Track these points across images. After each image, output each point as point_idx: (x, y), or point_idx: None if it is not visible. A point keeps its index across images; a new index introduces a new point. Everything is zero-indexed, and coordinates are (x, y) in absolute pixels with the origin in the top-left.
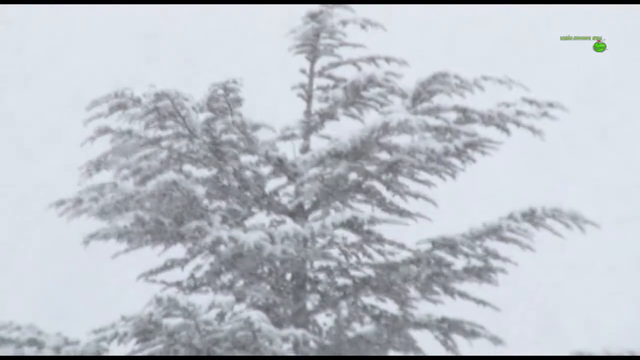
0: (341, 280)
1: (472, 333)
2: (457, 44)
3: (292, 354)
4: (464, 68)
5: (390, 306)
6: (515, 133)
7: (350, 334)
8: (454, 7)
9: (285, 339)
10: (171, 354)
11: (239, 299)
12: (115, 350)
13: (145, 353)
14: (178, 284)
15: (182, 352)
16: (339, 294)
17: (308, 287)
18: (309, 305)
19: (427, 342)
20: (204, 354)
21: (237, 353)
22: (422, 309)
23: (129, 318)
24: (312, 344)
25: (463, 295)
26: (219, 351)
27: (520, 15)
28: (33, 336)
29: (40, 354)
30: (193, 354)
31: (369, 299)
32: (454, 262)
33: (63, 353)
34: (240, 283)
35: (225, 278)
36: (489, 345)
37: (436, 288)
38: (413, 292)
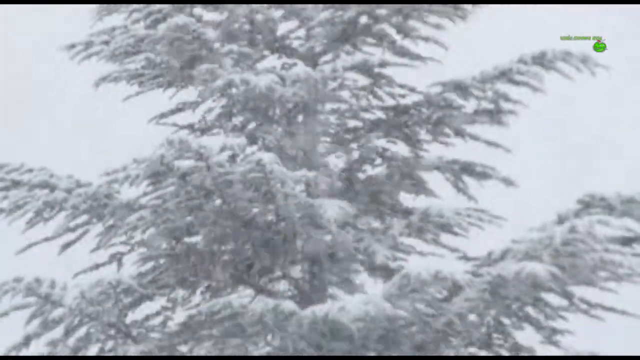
0: (352, 123)
1: (483, 174)
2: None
3: (304, 195)
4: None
5: (401, 148)
6: None
7: (361, 176)
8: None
9: (297, 181)
10: (182, 196)
11: (250, 141)
12: (127, 192)
13: (157, 195)
14: (190, 127)
15: (193, 194)
16: (350, 136)
17: (319, 129)
18: (321, 147)
19: (438, 183)
20: (216, 195)
21: (248, 194)
22: (433, 151)
23: (141, 160)
24: (323, 185)
25: (474, 137)
26: (230, 193)
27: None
28: (45, 178)
29: (52, 196)
30: (204, 195)
31: (379, 141)
32: (464, 104)
33: (75, 195)
34: (252, 125)
35: (237, 120)
36: (501, 187)
37: (447, 130)
38: (424, 134)
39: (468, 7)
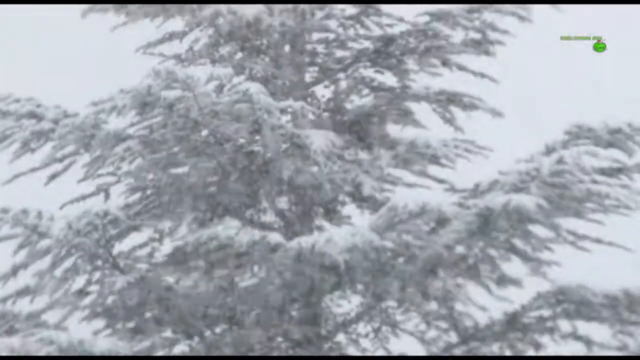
0: (340, 53)
1: (470, 105)
2: None
3: (290, 126)
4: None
5: (389, 78)
6: None
7: (348, 106)
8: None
9: (283, 111)
10: (169, 126)
11: (237, 72)
12: (114, 122)
13: (144, 125)
14: (176, 57)
15: (180, 124)
16: (337, 66)
17: (306, 59)
18: (308, 77)
19: (425, 114)
20: (203, 126)
21: (235, 125)
22: (421, 81)
23: (128, 90)
24: (310, 116)
25: (461, 67)
26: (217, 123)
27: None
28: (32, 108)
29: (39, 126)
30: (191, 126)
31: (367, 71)
32: (452, 34)
33: (62, 125)
34: (239, 55)
35: (224, 50)
36: (488, 118)
37: (434, 60)
38: (411, 64)
39: None
